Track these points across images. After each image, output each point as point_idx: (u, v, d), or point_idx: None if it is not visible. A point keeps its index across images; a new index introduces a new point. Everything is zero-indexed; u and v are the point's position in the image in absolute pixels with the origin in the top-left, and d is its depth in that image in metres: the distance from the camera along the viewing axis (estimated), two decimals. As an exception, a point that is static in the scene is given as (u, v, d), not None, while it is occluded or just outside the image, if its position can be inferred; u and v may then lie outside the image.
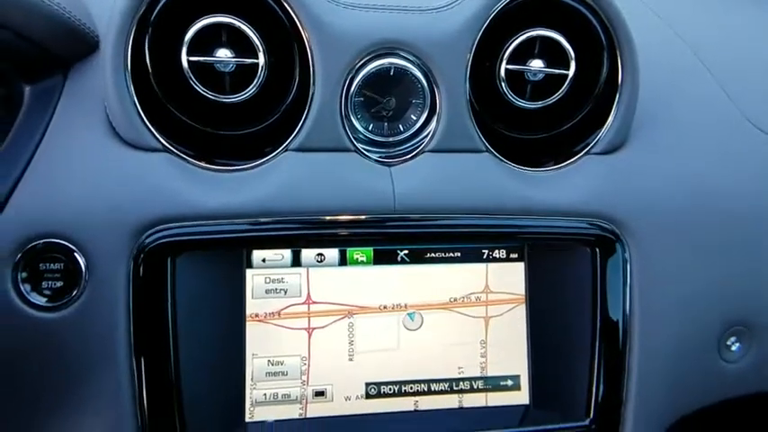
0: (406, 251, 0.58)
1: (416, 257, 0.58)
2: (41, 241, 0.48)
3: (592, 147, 0.58)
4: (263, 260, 0.55)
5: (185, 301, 0.52)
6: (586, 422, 0.56)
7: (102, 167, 0.50)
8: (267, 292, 0.55)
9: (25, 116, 0.52)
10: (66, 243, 0.48)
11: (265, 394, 0.55)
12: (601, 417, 0.56)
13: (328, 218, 0.53)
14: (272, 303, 0.55)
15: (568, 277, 0.59)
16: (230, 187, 0.52)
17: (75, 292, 0.48)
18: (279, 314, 0.56)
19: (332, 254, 0.56)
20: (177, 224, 0.50)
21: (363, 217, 0.53)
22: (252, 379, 0.55)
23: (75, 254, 0.48)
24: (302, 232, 0.53)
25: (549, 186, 0.57)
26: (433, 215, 0.54)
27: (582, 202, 0.56)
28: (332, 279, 0.56)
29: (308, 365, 0.56)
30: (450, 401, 0.58)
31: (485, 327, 0.59)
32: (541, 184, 0.57)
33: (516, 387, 0.59)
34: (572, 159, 0.58)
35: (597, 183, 0.57)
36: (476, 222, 0.55)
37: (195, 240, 0.50)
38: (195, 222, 0.50)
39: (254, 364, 0.55)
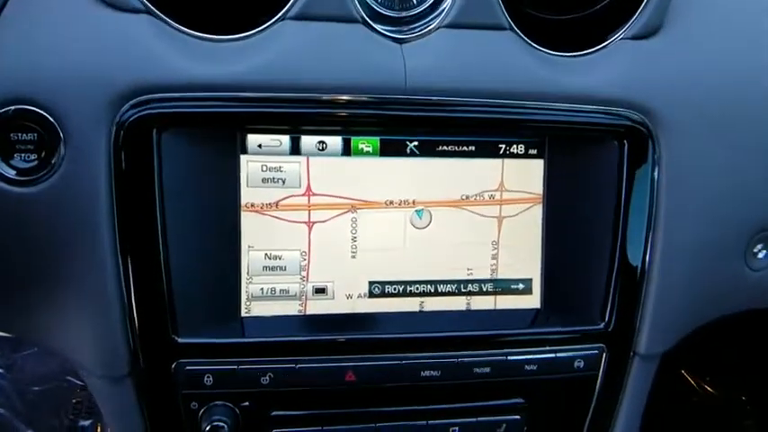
0: (415, 143, 0.53)
1: (427, 150, 0.53)
2: (12, 108, 0.43)
3: (625, 30, 0.52)
4: (259, 146, 0.51)
5: (174, 186, 0.47)
6: (601, 326, 0.53)
7: (78, 28, 0.44)
8: (264, 180, 0.51)
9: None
10: (39, 110, 0.43)
11: (262, 289, 0.52)
12: (617, 322, 0.53)
13: (330, 96, 0.47)
14: (269, 193, 0.51)
15: (591, 176, 0.54)
16: (221, 57, 0.46)
17: (50, 166, 0.43)
18: (276, 205, 0.52)
19: (334, 142, 0.51)
20: (161, 94, 0.44)
21: (369, 96, 0.48)
22: (248, 273, 0.52)
23: (50, 123, 0.43)
24: (301, 110, 0.47)
25: (577, 72, 0.51)
26: (446, 98, 0.49)
27: (611, 90, 0.51)
28: (334, 170, 0.52)
29: (308, 261, 0.52)
30: (457, 303, 0.55)
31: (497, 227, 0.55)
32: (568, 70, 0.51)
33: (527, 291, 0.56)
34: (603, 44, 0.52)
35: (629, 69, 0.51)
36: (493, 108, 0.50)
37: (181, 113, 0.45)
38: (181, 93, 0.45)
39: (251, 257, 0.51)
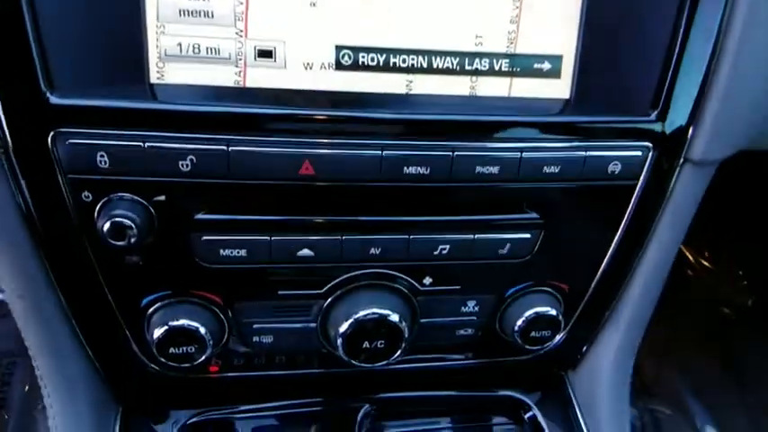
0: None
1: None
2: None
3: None
4: None
5: None
6: (651, 117, 0.39)
7: None
8: None
9: None
10: None
11: (180, 45, 0.36)
12: (671, 112, 0.39)
13: None
14: None
15: None
16: None
17: None
18: None
19: None
20: None
21: None
22: (158, 18, 0.36)
23: None
24: None
25: None
26: None
27: None
28: None
29: (246, 6, 0.37)
30: (457, 86, 0.40)
31: (522, -24, 0.39)
32: None
33: (554, 73, 0.41)
34: None
35: None
36: None
37: None
38: None
39: (159, -8, 0.36)
